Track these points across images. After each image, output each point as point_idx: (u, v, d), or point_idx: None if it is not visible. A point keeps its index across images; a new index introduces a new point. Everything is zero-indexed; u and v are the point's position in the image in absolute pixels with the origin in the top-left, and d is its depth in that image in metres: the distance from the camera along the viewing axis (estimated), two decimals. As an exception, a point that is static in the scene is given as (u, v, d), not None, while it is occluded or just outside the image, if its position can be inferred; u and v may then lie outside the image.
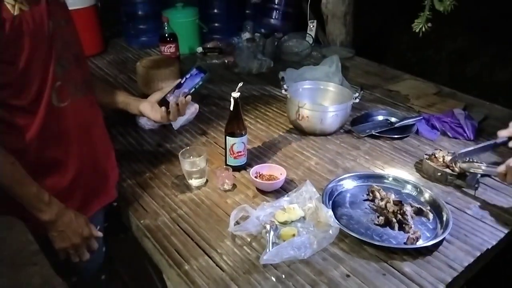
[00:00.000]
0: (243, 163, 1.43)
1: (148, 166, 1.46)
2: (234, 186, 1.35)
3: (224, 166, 1.38)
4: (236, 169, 1.41)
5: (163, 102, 1.24)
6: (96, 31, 2.40)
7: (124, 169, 1.43)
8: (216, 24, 2.54)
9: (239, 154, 1.40)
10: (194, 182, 1.35)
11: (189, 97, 1.23)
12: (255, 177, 1.34)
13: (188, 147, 1.40)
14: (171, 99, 1.23)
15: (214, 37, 2.51)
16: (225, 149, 1.41)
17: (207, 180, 1.37)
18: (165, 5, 2.39)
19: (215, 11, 2.51)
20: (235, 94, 1.35)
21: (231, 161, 1.41)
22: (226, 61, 2.28)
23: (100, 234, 1.15)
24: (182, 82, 1.25)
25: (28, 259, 1.50)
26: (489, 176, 1.36)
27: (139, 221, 1.22)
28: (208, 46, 2.43)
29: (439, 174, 1.36)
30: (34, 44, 0.94)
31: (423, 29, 1.55)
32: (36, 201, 1.00)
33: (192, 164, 1.34)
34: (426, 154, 1.43)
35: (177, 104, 1.23)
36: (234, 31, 2.53)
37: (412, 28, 1.56)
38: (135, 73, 1.91)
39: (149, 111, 1.27)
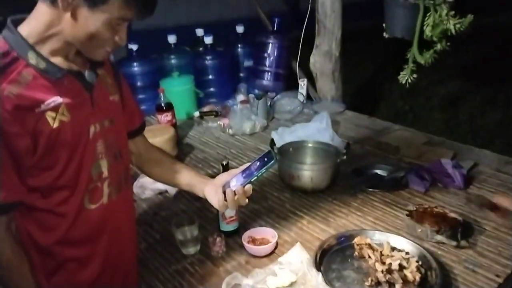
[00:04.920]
0: (235, 227, 1.45)
1: (144, 236, 1.49)
2: (227, 252, 1.37)
3: (216, 233, 1.41)
4: (229, 234, 1.44)
5: (225, 188, 1.13)
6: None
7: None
8: (212, 89, 2.66)
9: (231, 219, 1.44)
10: (187, 250, 1.38)
11: (248, 186, 1.11)
12: (248, 242, 1.37)
13: (179, 216, 1.43)
14: (232, 185, 1.11)
15: (210, 101, 2.62)
16: (217, 214, 1.44)
17: (200, 247, 1.40)
18: (163, 75, 2.53)
19: (210, 77, 2.64)
20: (224, 162, 1.41)
21: (224, 227, 1.44)
22: (221, 123, 2.37)
23: None
24: (247, 168, 1.13)
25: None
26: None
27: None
28: (205, 110, 2.54)
29: (419, 230, 1.35)
30: (71, 153, 0.93)
31: (409, 80, 1.62)
32: None
33: (184, 233, 1.37)
34: (406, 210, 1.43)
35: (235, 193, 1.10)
36: (229, 94, 2.65)
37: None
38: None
39: (212, 196, 1.14)
